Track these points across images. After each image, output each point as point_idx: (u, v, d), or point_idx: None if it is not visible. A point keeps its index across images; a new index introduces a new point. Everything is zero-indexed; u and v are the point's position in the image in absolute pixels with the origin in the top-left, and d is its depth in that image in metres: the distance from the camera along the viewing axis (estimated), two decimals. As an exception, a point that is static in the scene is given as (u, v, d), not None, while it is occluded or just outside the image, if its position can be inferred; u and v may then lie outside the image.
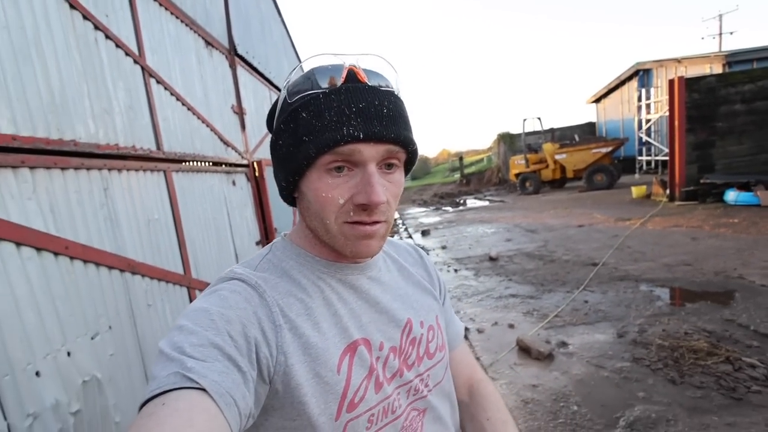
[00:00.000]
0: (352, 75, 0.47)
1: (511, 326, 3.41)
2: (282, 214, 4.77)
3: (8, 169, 1.41)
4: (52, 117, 1.65)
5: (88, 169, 1.80)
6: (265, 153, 4.67)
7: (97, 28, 1.99)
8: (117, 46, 2.15)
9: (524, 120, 15.33)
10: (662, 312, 3.30)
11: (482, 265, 5.54)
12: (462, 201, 15.40)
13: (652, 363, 2.57)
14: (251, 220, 4.11)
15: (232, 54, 4.12)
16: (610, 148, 12.99)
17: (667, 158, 10.99)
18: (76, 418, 1.51)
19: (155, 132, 2.46)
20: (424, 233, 8.76)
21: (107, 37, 2.07)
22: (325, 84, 0.46)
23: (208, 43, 3.51)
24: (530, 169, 14.52)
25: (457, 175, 29.00)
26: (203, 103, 3.24)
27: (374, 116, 0.46)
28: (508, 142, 20.50)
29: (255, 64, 4.88)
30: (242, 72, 4.40)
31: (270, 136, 0.54)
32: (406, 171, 0.54)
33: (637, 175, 14.78)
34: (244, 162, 4.03)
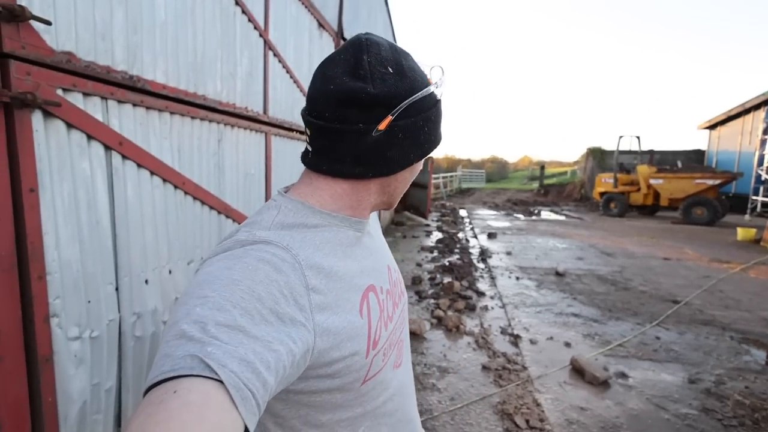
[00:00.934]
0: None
1: (567, 344, 3.23)
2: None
3: (155, 112, 1.67)
4: (192, 74, 1.91)
5: (210, 121, 2.06)
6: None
7: (236, 3, 2.24)
8: (249, 20, 2.39)
9: (620, 137, 13.94)
10: (749, 368, 2.89)
11: (546, 278, 5.26)
12: (536, 211, 14.59)
13: (725, 418, 2.28)
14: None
15: (339, 37, 4.32)
16: (718, 181, 11.33)
17: (790, 202, 9.33)
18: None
19: (264, 98, 2.71)
20: (491, 236, 8.50)
21: (243, 11, 2.32)
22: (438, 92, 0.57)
23: (320, 25, 3.74)
24: (618, 189, 13.24)
25: (535, 184, 27.43)
26: (307, 79, 3.46)
27: None
28: (598, 157, 18.88)
29: (357, 48, 5.06)
30: (344, 54, 4.60)
31: (395, 114, 0.51)
32: None
33: (747, 217, 12.74)
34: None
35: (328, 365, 0.48)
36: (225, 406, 0.32)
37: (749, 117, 15.00)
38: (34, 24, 1.16)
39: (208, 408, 0.31)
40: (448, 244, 7.42)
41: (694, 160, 17.48)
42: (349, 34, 4.63)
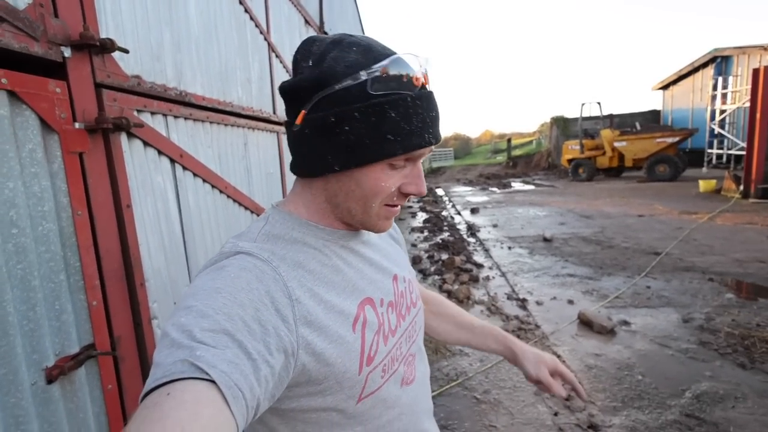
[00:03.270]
0: (423, 80, 0.51)
1: (571, 302, 3.58)
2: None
3: (200, 123, 1.77)
4: (220, 83, 2.00)
5: (237, 126, 2.17)
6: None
7: (246, 11, 2.32)
8: (256, 25, 2.48)
9: (582, 104, 14.66)
10: (732, 304, 3.32)
11: (536, 245, 5.65)
12: (509, 183, 15.18)
13: (720, 348, 2.66)
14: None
15: (321, 30, 4.40)
16: (677, 138, 12.21)
17: (742, 152, 10.24)
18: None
19: (273, 99, 2.81)
20: (473, 211, 8.87)
21: (251, 18, 2.40)
22: (407, 87, 0.48)
23: (306, 22, 3.81)
24: (585, 155, 13.98)
25: (499, 157, 28.23)
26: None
27: (438, 123, 0.53)
28: (561, 126, 19.68)
29: (336, 39, 5.14)
30: (327, 46, 4.68)
31: (309, 108, 0.49)
32: None
33: (704, 169, 13.82)
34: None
35: (317, 382, 0.47)
36: (217, 404, 0.33)
37: (698, 75, 16.06)
38: (114, 53, 1.26)
39: (202, 405, 0.32)
40: (436, 222, 7.71)
41: (651, 120, 18.56)
42: (328, 27, 4.70)
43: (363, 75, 0.47)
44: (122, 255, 1.25)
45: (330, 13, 5.01)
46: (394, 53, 0.50)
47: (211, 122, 1.86)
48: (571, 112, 23.67)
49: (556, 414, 2.14)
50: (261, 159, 2.52)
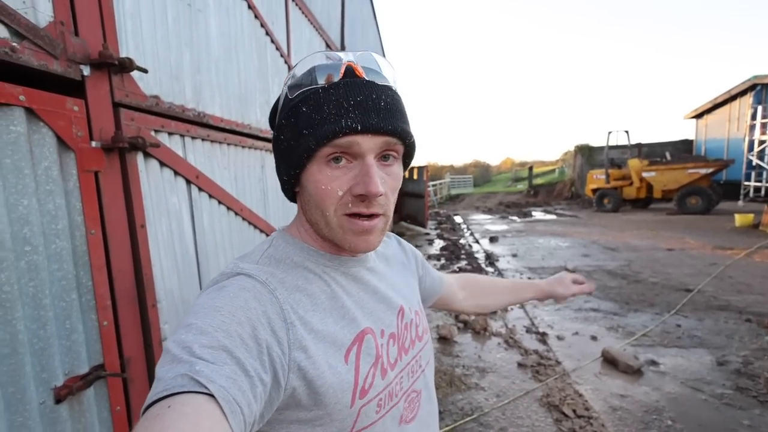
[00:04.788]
0: (350, 71, 0.49)
1: (594, 338, 3.42)
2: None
3: (217, 144, 1.83)
4: (239, 105, 2.07)
5: (255, 149, 2.22)
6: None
7: (267, 34, 2.43)
8: (276, 48, 2.58)
9: (609, 132, 14.50)
10: None
11: (559, 277, 5.48)
12: (529, 212, 14.97)
13: (759, 395, 2.48)
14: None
15: (343, 55, 4.55)
16: (710, 170, 11.83)
17: (782, 186, 9.81)
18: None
19: (292, 122, 2.89)
20: (492, 240, 8.74)
21: (272, 41, 2.50)
22: (324, 80, 0.48)
23: (327, 46, 3.95)
24: (611, 185, 13.70)
25: (520, 186, 28.00)
26: (321, 99, 3.66)
27: (371, 109, 0.47)
28: (586, 154, 19.45)
29: (357, 64, 5.30)
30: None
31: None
32: (405, 165, 0.56)
33: (741, 202, 13.32)
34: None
35: (307, 409, 0.47)
36: (216, 417, 0.34)
37: (735, 104, 15.67)
38: (133, 72, 1.32)
39: (202, 417, 0.33)
40: (453, 250, 7.61)
41: (683, 150, 18.16)
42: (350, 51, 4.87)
43: (284, 87, 0.51)
44: (135, 275, 1.28)
45: (352, 37, 5.19)
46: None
47: (228, 144, 1.92)
48: (597, 141, 23.53)
49: (577, 461, 2.00)
50: (277, 182, 2.56)
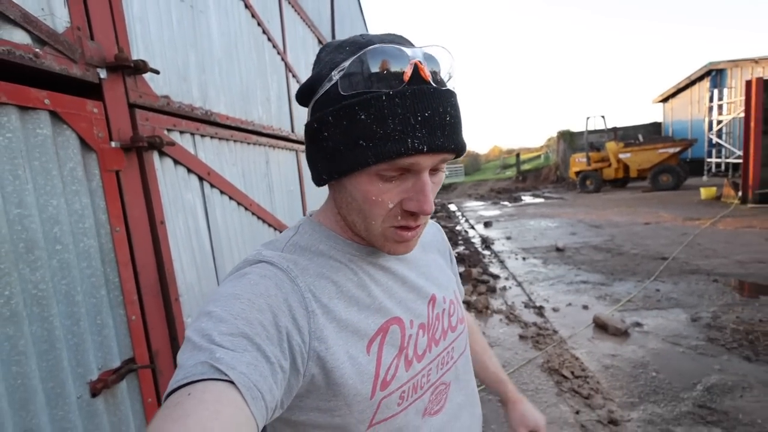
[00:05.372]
0: (416, 73, 0.41)
1: (585, 307, 3.48)
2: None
3: (224, 141, 1.79)
4: (242, 103, 2.03)
5: (259, 145, 2.18)
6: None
7: (264, 32, 2.37)
8: (273, 46, 2.52)
9: (587, 118, 14.67)
10: (735, 302, 3.28)
11: (549, 255, 5.55)
12: (519, 197, 15.07)
13: (727, 343, 2.64)
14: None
15: (333, 52, 4.48)
16: (678, 149, 12.06)
17: (739, 161, 10.08)
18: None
19: (291, 118, 2.83)
20: (487, 224, 8.78)
21: (269, 39, 2.44)
22: (387, 83, 0.40)
23: (320, 42, 3.87)
24: (592, 167, 13.87)
25: (509, 172, 28.15)
26: (316, 96, 3.61)
27: (438, 126, 0.41)
28: (568, 139, 19.61)
29: (347, 61, 5.23)
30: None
31: (308, 115, 0.47)
32: None
33: (705, 177, 13.61)
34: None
35: (326, 398, 0.44)
36: (237, 404, 0.32)
37: (695, 88, 15.97)
38: (144, 74, 1.27)
39: (222, 404, 0.31)
40: (450, 237, 7.62)
41: (653, 132, 18.39)
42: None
43: (335, 75, 0.42)
44: (157, 270, 1.25)
45: (341, 33, 5.10)
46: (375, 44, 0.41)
47: (235, 141, 1.88)
48: (577, 126, 23.72)
49: (577, 412, 2.09)
50: (282, 177, 2.53)
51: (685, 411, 2.04)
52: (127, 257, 1.13)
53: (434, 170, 0.45)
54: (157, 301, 1.23)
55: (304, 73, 3.24)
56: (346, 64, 0.41)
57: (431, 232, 0.67)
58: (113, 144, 1.12)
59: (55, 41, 0.95)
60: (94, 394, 0.97)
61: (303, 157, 2.98)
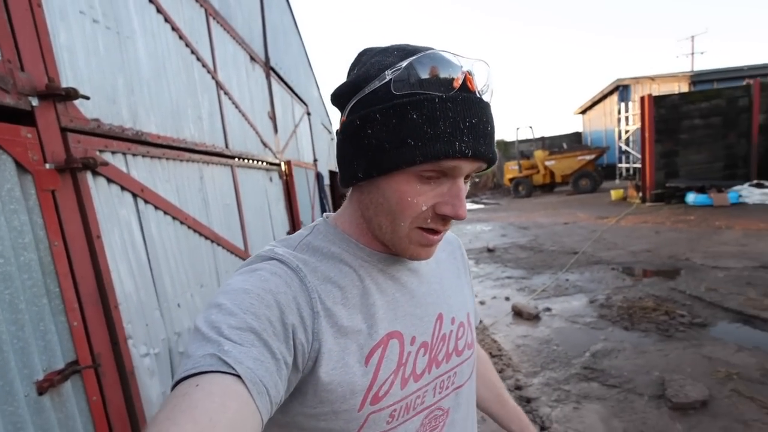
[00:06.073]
0: (465, 82, 0.43)
1: (507, 299, 4.00)
2: (305, 210, 5.28)
3: (156, 159, 1.92)
4: (173, 122, 2.16)
5: (192, 161, 2.32)
6: (291, 154, 5.19)
7: (192, 52, 2.52)
8: (203, 65, 2.67)
9: (517, 128, 16.19)
10: (625, 285, 4.03)
11: (481, 255, 6.13)
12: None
13: (612, 318, 3.29)
14: (283, 213, 4.61)
15: (268, 66, 4.64)
16: (593, 156, 13.75)
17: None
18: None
19: (224, 134, 2.97)
20: (424, 230, 9.31)
21: (198, 59, 2.59)
22: (438, 87, 0.42)
23: (252, 59, 4.03)
24: (523, 174, 15.24)
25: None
26: (250, 110, 3.75)
27: (481, 134, 0.43)
28: (502, 148, 21.26)
29: (282, 74, 5.41)
30: (273, 82, 4.93)
31: (345, 114, 0.47)
32: None
33: (617, 181, 15.58)
34: (278, 161, 4.54)
35: (312, 404, 0.45)
36: (244, 398, 0.34)
37: (607, 101, 18.27)
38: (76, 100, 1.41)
39: (229, 398, 0.33)
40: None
41: (576, 141, 20.65)
42: (274, 62, 4.96)
43: (388, 74, 0.43)
44: (96, 280, 1.37)
45: (275, 48, 5.27)
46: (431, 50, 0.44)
47: (167, 158, 2.01)
48: (511, 136, 25.70)
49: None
50: (217, 191, 2.66)
51: (574, 373, 2.57)
52: (66, 269, 1.25)
53: (466, 178, 0.47)
54: (97, 308, 1.35)
55: (236, 90, 3.40)
56: (403, 64, 0.42)
57: (450, 248, 0.67)
58: (48, 166, 1.24)
59: (-11, 74, 1.08)
60: (40, 393, 1.09)
61: (237, 171, 3.12)
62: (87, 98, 1.41)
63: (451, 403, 0.55)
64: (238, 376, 0.35)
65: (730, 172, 9.07)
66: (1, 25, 1.14)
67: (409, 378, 0.49)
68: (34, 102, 1.23)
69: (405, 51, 0.45)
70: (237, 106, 3.34)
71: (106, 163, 1.46)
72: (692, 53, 21.07)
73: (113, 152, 1.59)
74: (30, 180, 1.18)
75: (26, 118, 1.22)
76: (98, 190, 1.46)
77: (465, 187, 0.46)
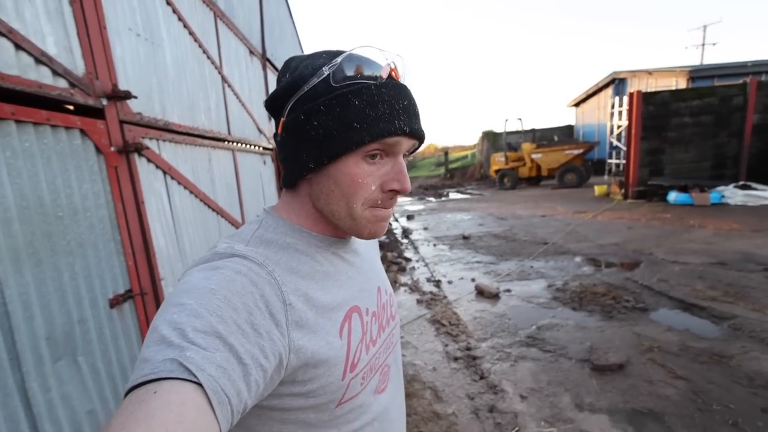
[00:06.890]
0: (391, 72, 0.51)
1: (473, 280, 4.58)
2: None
3: (179, 144, 2.45)
4: (190, 113, 2.68)
5: (203, 146, 2.84)
6: (284, 139, 5.68)
7: (203, 52, 3.01)
8: (212, 62, 3.17)
9: (506, 120, 16.69)
10: (584, 274, 4.55)
11: (456, 242, 6.72)
12: (445, 193, 16.62)
13: (564, 300, 3.82)
14: (274, 193, 5.14)
15: (264, 57, 5.11)
16: (581, 150, 14.34)
17: (629, 161, 12.40)
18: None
19: (227, 122, 3.48)
20: (409, 217, 9.90)
21: (208, 57, 3.09)
22: (372, 76, 0.49)
23: (251, 52, 4.51)
24: (509, 166, 15.80)
25: (442, 170, 30.31)
26: (248, 99, 4.24)
27: (413, 114, 0.51)
28: (491, 139, 21.79)
29: (277, 64, 5.86)
30: (269, 72, 5.39)
31: (285, 114, 0.52)
32: None
33: (606, 177, 16.19)
34: (271, 146, 5.05)
35: (302, 383, 0.48)
36: (202, 408, 0.34)
37: (602, 94, 18.59)
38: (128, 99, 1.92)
39: (187, 408, 0.33)
40: (376, 228, 8.58)
41: (567, 134, 21.22)
42: (270, 53, 5.43)
43: (326, 70, 0.49)
44: (141, 234, 1.92)
45: (271, 39, 5.72)
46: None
47: (185, 144, 2.54)
48: (500, 127, 26.19)
49: (446, 345, 3.08)
50: (222, 172, 3.19)
51: (518, 340, 3.10)
52: (124, 223, 1.79)
53: (404, 157, 0.54)
54: (142, 255, 1.90)
55: (237, 82, 3.89)
56: (338, 60, 0.48)
57: None
58: (112, 149, 1.78)
59: (80, 83, 1.60)
60: (111, 306, 1.64)
61: (239, 155, 3.64)
62: (135, 97, 1.93)
63: (392, 360, 0.66)
64: (199, 384, 0.35)
65: (717, 173, 9.35)
66: (85, 47, 1.66)
67: (370, 344, 0.57)
68: (104, 102, 1.75)
69: (332, 52, 0.52)
70: (238, 97, 3.84)
71: (147, 147, 1.99)
72: (703, 44, 20.70)
73: (150, 138, 2.12)
74: (103, 159, 1.72)
75: (98, 113, 1.74)
76: (142, 167, 1.99)
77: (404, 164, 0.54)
